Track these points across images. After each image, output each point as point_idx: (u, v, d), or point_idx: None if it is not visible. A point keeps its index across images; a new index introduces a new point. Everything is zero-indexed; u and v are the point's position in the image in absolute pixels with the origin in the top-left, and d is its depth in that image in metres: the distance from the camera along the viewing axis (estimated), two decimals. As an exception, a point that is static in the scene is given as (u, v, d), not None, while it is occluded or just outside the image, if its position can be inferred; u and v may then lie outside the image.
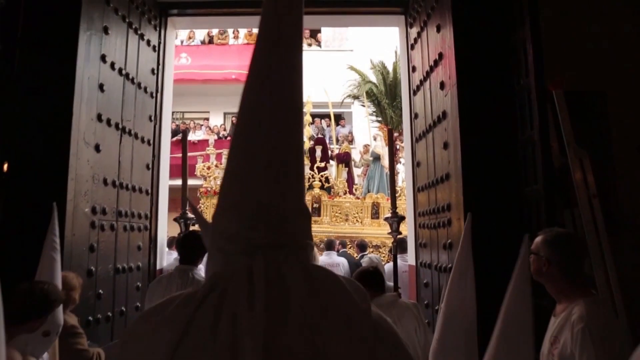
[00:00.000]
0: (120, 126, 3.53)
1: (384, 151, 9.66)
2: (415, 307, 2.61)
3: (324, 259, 6.32)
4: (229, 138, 12.71)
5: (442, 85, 3.28)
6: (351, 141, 11.72)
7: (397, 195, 8.60)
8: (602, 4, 3.01)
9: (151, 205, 4.10)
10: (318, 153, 8.97)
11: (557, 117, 2.42)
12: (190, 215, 3.18)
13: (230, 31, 14.06)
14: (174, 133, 13.19)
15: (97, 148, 3.19)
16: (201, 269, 2.64)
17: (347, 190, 8.90)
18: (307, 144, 9.69)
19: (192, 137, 12.44)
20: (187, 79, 13.08)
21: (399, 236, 5.69)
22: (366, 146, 11.08)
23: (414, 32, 4.17)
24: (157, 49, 4.24)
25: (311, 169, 8.81)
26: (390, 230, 3.11)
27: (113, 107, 3.45)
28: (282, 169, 0.74)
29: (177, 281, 2.50)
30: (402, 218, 3.06)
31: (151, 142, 4.11)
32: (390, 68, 10.96)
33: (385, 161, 9.59)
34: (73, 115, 2.92)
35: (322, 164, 8.89)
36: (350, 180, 9.74)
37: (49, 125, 2.90)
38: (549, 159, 2.35)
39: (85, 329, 3.01)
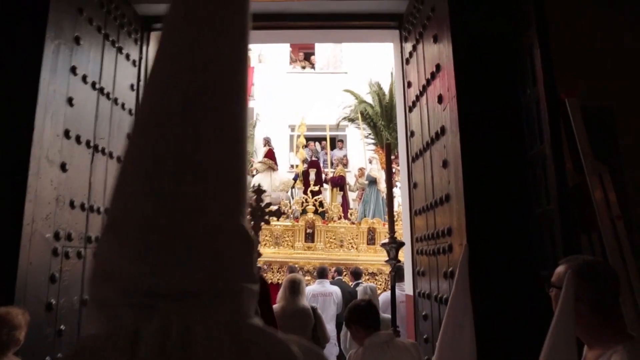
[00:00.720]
0: (92, 144, 3.25)
1: (379, 174, 9.41)
2: (415, 347, 2.30)
3: (316, 287, 5.98)
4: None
5: (440, 99, 3.04)
6: (346, 164, 11.47)
7: (394, 219, 8.38)
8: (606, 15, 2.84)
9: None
10: (312, 176, 8.72)
11: (569, 129, 2.16)
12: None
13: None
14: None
15: (63, 167, 2.90)
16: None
17: (342, 215, 8.62)
18: (301, 167, 9.45)
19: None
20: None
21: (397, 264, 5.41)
22: (361, 169, 10.84)
23: (408, 46, 3.96)
24: (137, 64, 4.00)
25: (305, 192, 8.55)
26: (387, 258, 2.80)
27: (84, 123, 3.18)
28: (198, 162, 0.46)
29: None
30: (402, 244, 2.76)
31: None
32: (386, 89, 10.82)
33: (382, 185, 9.33)
34: (35, 129, 2.65)
35: (316, 188, 8.63)
36: (345, 204, 9.46)
37: (7, 140, 2.62)
38: (563, 176, 2.08)
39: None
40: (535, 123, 2.33)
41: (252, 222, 2.39)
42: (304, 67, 14.43)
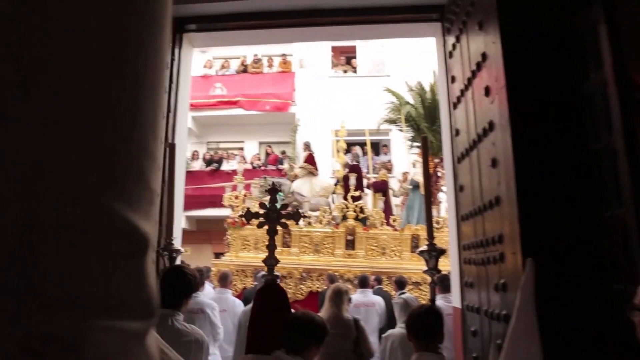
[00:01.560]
0: (120, 147, 3.17)
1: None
2: None
3: (358, 297, 5.72)
4: (262, 168, 12.46)
5: (487, 91, 2.73)
6: (390, 169, 11.13)
7: (439, 227, 7.97)
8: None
9: (159, 237, 3.69)
10: (352, 181, 8.44)
11: (644, 118, 1.82)
12: (176, 246, 2.72)
13: (264, 60, 14.04)
14: (209, 162, 13.14)
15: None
16: (182, 316, 2.17)
17: (384, 221, 8.28)
18: (341, 172, 9.21)
19: (225, 166, 12.28)
20: (222, 110, 13.05)
21: (441, 273, 5.06)
22: (405, 174, 10.48)
23: (451, 38, 3.67)
24: (168, 66, 3.93)
25: (345, 198, 8.28)
26: (426, 268, 2.52)
27: (112, 126, 3.11)
28: None
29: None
30: (442, 252, 2.47)
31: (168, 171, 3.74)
32: (428, 90, 10.42)
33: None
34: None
35: (357, 193, 8.34)
36: (387, 210, 9.11)
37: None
38: (639, 174, 1.74)
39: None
40: (601, 112, 1.99)
41: (267, 226, 2.20)
42: (345, 71, 14.24)
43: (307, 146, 10.17)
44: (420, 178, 9.10)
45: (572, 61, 2.25)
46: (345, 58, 14.57)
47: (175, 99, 4.11)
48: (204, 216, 12.76)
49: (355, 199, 8.20)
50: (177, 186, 3.99)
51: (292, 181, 9.83)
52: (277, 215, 2.20)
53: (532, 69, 2.36)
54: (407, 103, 10.56)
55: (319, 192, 9.42)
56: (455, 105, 3.59)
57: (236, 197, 8.19)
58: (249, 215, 2.32)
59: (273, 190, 2.29)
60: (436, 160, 9.82)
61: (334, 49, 14.51)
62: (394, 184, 10.51)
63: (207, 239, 13.65)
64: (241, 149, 14.07)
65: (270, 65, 14.19)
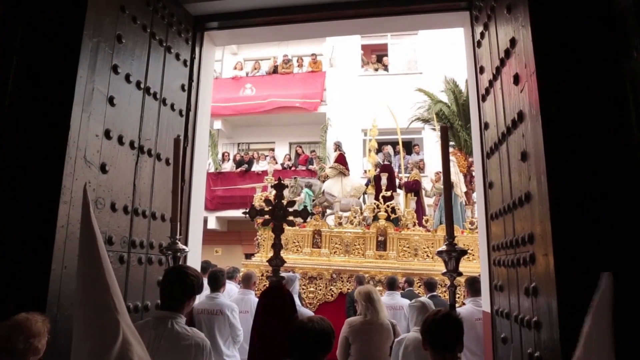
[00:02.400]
0: (136, 145, 3.14)
1: (457, 178, 8.73)
2: None
3: (385, 300, 5.53)
4: (293, 168, 12.40)
5: (516, 80, 2.52)
6: (422, 168, 10.84)
7: (474, 227, 7.65)
8: None
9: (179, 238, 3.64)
10: (384, 181, 8.25)
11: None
12: (181, 246, 2.63)
13: (294, 60, 13.99)
14: (239, 164, 13.20)
15: (102, 168, 2.80)
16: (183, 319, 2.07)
17: (417, 222, 8.05)
18: (373, 172, 9.02)
19: (256, 167, 12.30)
20: (252, 110, 13.09)
21: (470, 275, 4.80)
22: (438, 173, 10.18)
23: (480, 27, 3.46)
24: (188, 63, 3.89)
25: (376, 198, 8.10)
26: (445, 270, 2.32)
27: (128, 123, 3.08)
28: None
29: (151, 333, 1.93)
30: (463, 252, 2.26)
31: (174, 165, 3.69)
32: (462, 87, 10.08)
33: (459, 189, 8.65)
34: (70, 129, 2.54)
35: (389, 193, 8.14)
36: (420, 211, 8.87)
37: (42, 139, 2.54)
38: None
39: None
40: (645, 97, 1.77)
41: (272, 223, 2.06)
42: (376, 70, 14.02)
43: (337, 146, 10.03)
44: (454, 177, 8.80)
45: (611, 40, 2.02)
46: (376, 56, 14.33)
47: (195, 97, 4.06)
48: (235, 217, 12.83)
49: (387, 199, 8.00)
50: (195, 184, 3.95)
51: (323, 181, 9.72)
52: (283, 213, 2.07)
53: (565, 52, 2.14)
54: (440, 101, 10.25)
55: (350, 192, 9.27)
56: (484, 98, 3.38)
57: (267, 198, 8.16)
58: (253, 212, 2.21)
59: (279, 186, 2.15)
60: (470, 160, 9.50)
61: (364, 47, 14.31)
62: (427, 184, 10.23)
63: (238, 239, 13.73)
64: (272, 149, 14.08)
65: (300, 65, 14.14)
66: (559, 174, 2.06)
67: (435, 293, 5.82)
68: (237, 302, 4.45)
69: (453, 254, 2.20)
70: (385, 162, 9.34)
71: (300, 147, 13.69)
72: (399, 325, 5.28)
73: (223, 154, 13.65)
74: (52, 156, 2.51)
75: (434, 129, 10.78)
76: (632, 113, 1.90)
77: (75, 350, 1.10)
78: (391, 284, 5.70)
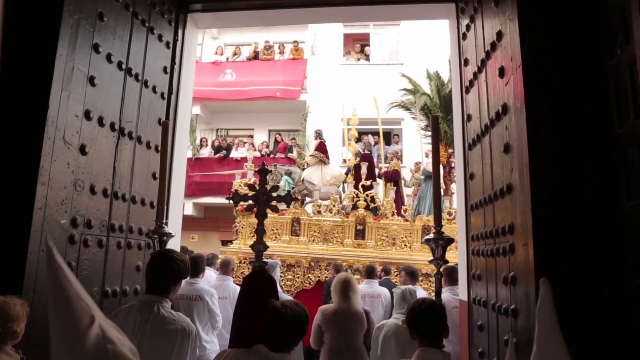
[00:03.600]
0: (117, 127, 3.06)
1: None
2: None
3: (363, 288, 5.58)
4: (272, 156, 12.34)
5: (501, 72, 2.56)
6: (400, 159, 10.91)
7: (451, 218, 7.76)
8: None
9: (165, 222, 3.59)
10: (364, 170, 8.26)
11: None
12: (167, 230, 2.59)
13: (276, 46, 13.85)
14: (217, 150, 13.05)
15: (82, 150, 2.72)
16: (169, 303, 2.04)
17: (395, 211, 8.11)
18: (353, 161, 9.04)
19: (234, 154, 12.18)
20: (231, 96, 12.91)
21: (448, 264, 4.89)
22: (417, 164, 10.27)
23: (465, 19, 3.48)
24: (171, 45, 3.81)
25: (356, 187, 8.12)
26: (432, 258, 2.35)
27: (108, 104, 3.00)
28: None
29: (137, 317, 1.91)
30: (450, 241, 2.30)
31: (160, 148, 3.63)
32: (445, 79, 10.15)
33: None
34: (49, 108, 2.46)
35: (368, 183, 8.18)
36: (398, 200, 8.95)
37: (20, 118, 2.46)
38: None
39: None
40: (628, 92, 1.82)
41: (256, 208, 2.05)
42: (358, 59, 13.99)
43: (318, 134, 10.01)
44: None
45: (596, 37, 2.07)
46: (360, 45, 14.30)
47: (177, 81, 3.98)
48: (212, 203, 12.71)
49: (366, 188, 8.03)
50: (176, 169, 3.89)
51: (303, 169, 9.69)
52: (266, 198, 2.06)
53: (551, 47, 2.18)
54: (424, 94, 10.31)
55: (329, 181, 9.27)
56: (467, 90, 3.42)
57: (246, 185, 8.07)
58: (237, 198, 2.19)
59: (263, 171, 2.14)
60: (450, 151, 9.61)
61: (346, 36, 14.26)
62: (406, 174, 10.33)
63: (215, 226, 13.62)
64: (251, 136, 13.94)
65: (281, 52, 13.99)
66: (541, 166, 2.11)
67: (409, 283, 5.90)
68: (216, 288, 4.43)
69: (440, 242, 2.24)
70: (366, 152, 9.37)
71: (280, 134, 13.61)
72: (376, 313, 5.34)
73: (201, 140, 13.47)
74: (30, 136, 2.43)
75: (414, 118, 10.83)
76: (613, 108, 1.95)
77: (53, 340, 1.11)
78: (370, 273, 5.76)
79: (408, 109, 10.85)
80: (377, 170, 9.56)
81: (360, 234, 7.74)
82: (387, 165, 9.83)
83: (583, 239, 2.02)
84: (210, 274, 5.35)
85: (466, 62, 3.44)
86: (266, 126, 14.36)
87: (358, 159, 8.98)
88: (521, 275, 2.26)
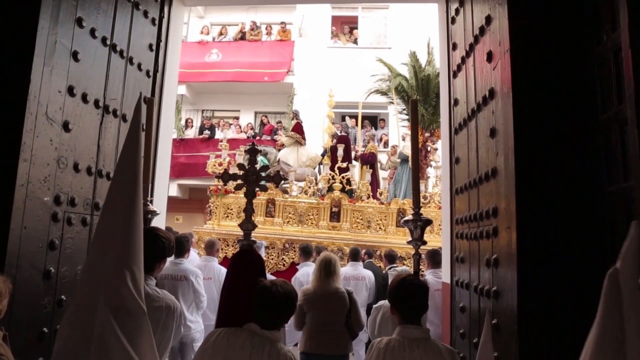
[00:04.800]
0: (101, 104, 3.00)
1: None
2: (451, 355, 1.92)
3: (348, 270, 5.65)
4: (257, 138, 12.26)
5: (489, 57, 2.57)
6: (386, 143, 10.94)
7: (426, 202, 7.83)
8: None
9: (150, 200, 3.55)
10: (340, 152, 8.22)
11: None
12: (151, 207, 2.58)
13: (263, 27, 13.66)
14: (201, 130, 12.91)
15: (65, 126, 2.67)
16: (154, 281, 2.04)
17: (371, 194, 8.15)
18: (329, 143, 9.00)
19: (219, 135, 12.08)
20: (217, 77, 12.74)
21: (431, 248, 4.96)
22: (394, 147, 10.28)
23: (455, 3, 3.47)
24: (157, 22, 3.73)
25: (332, 169, 8.11)
26: (410, 239, 2.38)
27: (92, 81, 2.93)
28: None
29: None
30: (428, 222, 2.33)
31: (144, 127, 3.57)
32: (423, 62, 10.13)
33: None
34: (31, 82, 2.40)
35: (344, 165, 8.16)
36: (374, 183, 8.98)
37: (1, 93, 2.39)
38: (648, 145, 1.61)
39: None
40: (612, 78, 1.85)
41: (245, 188, 2.05)
42: (346, 42, 13.89)
43: (295, 115, 9.94)
44: (409, 152, 8.93)
45: (583, 23, 2.09)
46: (349, 28, 14.18)
47: (163, 59, 3.92)
48: (197, 185, 12.63)
49: (343, 170, 8.02)
50: (161, 148, 3.85)
51: (279, 150, 9.63)
52: (255, 177, 2.05)
53: (539, 32, 2.20)
54: (399, 75, 10.28)
55: (305, 162, 9.24)
56: (455, 74, 3.43)
57: (220, 165, 8.01)
58: (226, 177, 2.18)
59: (252, 151, 2.13)
60: (426, 135, 9.66)
61: (334, 18, 14.12)
62: (383, 158, 10.35)
63: (200, 207, 13.55)
64: (237, 118, 13.81)
65: (269, 34, 13.81)
66: (526, 150, 2.14)
67: (395, 265, 5.99)
68: (200, 269, 4.44)
69: (418, 223, 2.26)
70: (343, 134, 9.32)
71: (266, 116, 13.50)
72: (360, 295, 5.41)
73: (186, 120, 13.30)
74: (11, 111, 2.37)
75: (392, 102, 10.82)
76: (598, 94, 1.98)
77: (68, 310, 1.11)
78: (354, 255, 5.82)
79: (385, 94, 10.84)
80: (353, 153, 9.55)
81: (335, 216, 7.77)
82: (364, 148, 9.82)
83: (566, 223, 2.06)
84: (194, 255, 5.35)
85: (454, 46, 3.45)
86: (252, 108, 14.24)
87: (335, 140, 8.95)
88: (503, 257, 2.31)
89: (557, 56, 2.14)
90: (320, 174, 8.89)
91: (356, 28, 14.04)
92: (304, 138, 9.42)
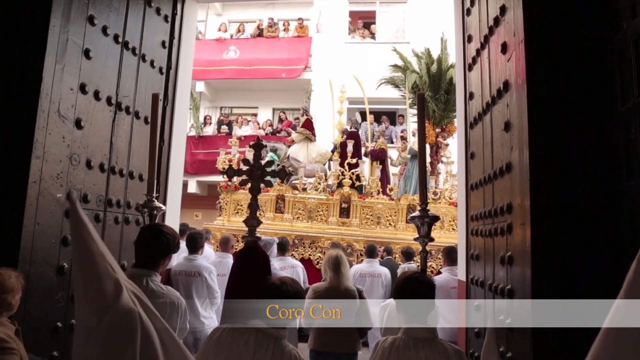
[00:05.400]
0: (114, 101, 3.03)
1: None
2: (458, 356, 1.86)
3: (364, 267, 5.61)
4: (277, 135, 12.27)
5: (503, 48, 2.49)
6: (405, 139, 10.78)
7: (436, 198, 7.70)
8: None
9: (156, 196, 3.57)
10: (349, 148, 8.14)
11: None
12: (157, 204, 2.58)
13: (280, 24, 13.65)
14: (218, 125, 12.98)
15: (78, 124, 2.70)
16: (159, 277, 2.04)
17: (381, 190, 8.05)
18: (339, 139, 8.91)
19: (238, 132, 12.13)
20: (235, 74, 12.79)
21: (447, 245, 4.88)
22: (404, 142, 10.14)
23: (471, -7, 3.38)
24: (169, 19, 3.74)
25: (341, 165, 8.03)
26: (417, 235, 2.32)
27: (105, 78, 2.96)
28: None
29: (127, 290, 1.91)
30: (435, 218, 2.26)
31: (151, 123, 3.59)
32: (435, 56, 9.97)
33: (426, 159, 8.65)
34: (43, 80, 2.43)
35: (354, 161, 8.08)
36: (384, 179, 8.85)
37: (13, 91, 2.43)
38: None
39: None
40: (632, 68, 1.76)
41: (250, 183, 2.02)
42: (363, 37, 13.77)
43: (305, 111, 9.87)
44: None
45: (601, 11, 2.00)
46: (363, 23, 14.05)
47: (177, 55, 3.93)
48: (216, 182, 12.71)
49: (352, 166, 7.95)
50: (175, 145, 3.87)
51: (289, 146, 9.58)
52: (260, 173, 2.03)
53: (554, 21, 2.12)
54: (413, 71, 10.15)
55: (315, 158, 9.17)
56: (470, 67, 3.35)
57: (229, 161, 8.02)
58: (230, 172, 2.16)
59: (257, 146, 2.10)
60: (437, 130, 9.52)
61: (352, 14, 14.01)
62: (393, 153, 10.22)
63: (212, 205, 13.65)
64: (255, 114, 13.85)
65: (286, 30, 13.79)
66: (541, 144, 2.07)
67: (412, 262, 5.92)
68: (215, 265, 4.45)
69: (426, 220, 2.20)
70: (352, 129, 9.22)
71: (284, 112, 13.50)
72: (376, 292, 5.35)
73: (205, 118, 13.41)
74: (23, 109, 2.40)
75: (403, 96, 10.66)
76: (617, 84, 1.90)
77: (78, 311, 1.08)
78: (371, 252, 5.76)
79: (397, 86, 10.68)
80: (363, 149, 9.45)
81: (344, 212, 7.70)
82: (374, 144, 9.72)
83: (583, 219, 1.98)
84: (210, 251, 5.38)
85: (469, 38, 3.36)
86: (270, 104, 14.26)
87: (344, 136, 8.87)
88: (518, 255, 2.23)
89: (574, 45, 2.05)
90: (330, 170, 8.83)
91: (373, 23, 13.90)
92: (314, 134, 9.36)
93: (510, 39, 2.39)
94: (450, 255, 4.40)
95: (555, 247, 2.00)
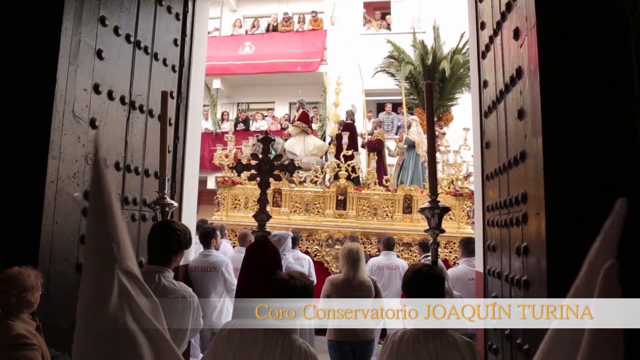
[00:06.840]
0: (127, 100, 3.07)
1: (419, 138, 8.60)
2: (469, 348, 1.83)
3: (381, 259, 5.58)
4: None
5: (516, 34, 2.43)
6: (409, 127, 10.67)
7: (436, 179, 7.55)
8: None
9: (172, 193, 3.63)
10: (345, 140, 8.07)
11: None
12: (169, 200, 2.60)
13: (295, 17, 13.61)
14: (235, 122, 13.05)
15: (92, 123, 2.74)
16: (171, 273, 2.07)
17: (377, 181, 7.97)
18: (335, 130, 8.83)
19: (254, 126, 12.20)
20: (251, 70, 12.82)
21: (465, 236, 4.81)
22: (401, 133, 10.02)
23: (484, -22, 3.31)
24: (181, 17, 3.77)
25: (337, 157, 7.98)
26: (427, 227, 2.28)
27: (118, 78, 3.00)
28: None
29: (139, 287, 1.94)
30: (445, 210, 2.23)
31: (172, 121, 3.64)
32: (445, 49, 9.85)
33: (421, 149, 8.53)
34: (57, 82, 2.48)
35: (350, 152, 8.01)
36: (381, 170, 8.75)
37: (28, 93, 2.48)
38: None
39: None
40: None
41: (259, 178, 2.02)
42: (379, 28, 13.63)
43: (300, 104, 9.82)
44: (415, 137, 8.64)
45: (615, -9, 1.93)
46: (381, 14, 13.91)
47: (189, 53, 3.95)
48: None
49: (348, 158, 7.89)
50: (190, 143, 3.90)
51: (286, 139, 9.55)
52: (269, 167, 2.03)
53: (566, 5, 2.05)
54: (408, 62, 10.04)
55: (312, 151, 9.12)
56: (483, 55, 3.28)
57: (226, 156, 8.03)
58: (240, 167, 2.17)
59: (266, 140, 2.10)
60: (435, 119, 9.41)
61: (366, 5, 13.88)
62: (391, 144, 10.12)
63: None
64: (271, 109, 13.89)
65: (301, 23, 13.76)
66: (555, 132, 2.01)
67: (428, 254, 5.86)
68: (233, 260, 4.49)
69: (436, 211, 2.17)
70: (348, 121, 9.12)
71: (299, 103, 13.48)
72: (393, 285, 5.33)
73: (222, 114, 13.50)
74: (39, 110, 2.45)
75: (398, 85, 10.50)
76: (634, 68, 1.83)
77: (80, 298, 1.07)
78: (388, 244, 5.72)
79: (393, 75, 10.55)
80: (360, 140, 9.36)
81: (341, 204, 7.66)
82: (371, 134, 9.61)
83: (600, 209, 1.92)
84: (228, 246, 5.43)
85: (482, 25, 3.29)
86: (287, 99, 14.26)
87: (340, 128, 8.79)
88: (533, 245, 2.19)
89: (587, 28, 1.99)
90: (326, 162, 8.79)
91: (388, 14, 13.74)
92: (310, 127, 9.29)
93: (522, 24, 2.33)
94: (467, 246, 4.35)
95: (571, 237, 1.94)
